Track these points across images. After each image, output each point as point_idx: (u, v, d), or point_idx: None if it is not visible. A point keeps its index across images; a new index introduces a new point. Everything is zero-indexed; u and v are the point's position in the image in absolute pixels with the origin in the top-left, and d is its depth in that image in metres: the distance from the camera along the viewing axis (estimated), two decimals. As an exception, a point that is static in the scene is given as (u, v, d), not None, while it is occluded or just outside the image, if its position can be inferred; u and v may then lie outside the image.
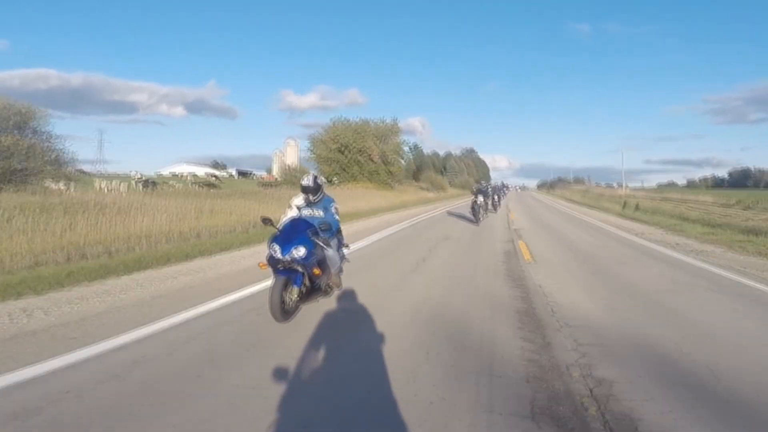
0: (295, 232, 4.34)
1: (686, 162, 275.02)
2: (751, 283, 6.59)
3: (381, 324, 4.28)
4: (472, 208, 15.55)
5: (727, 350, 3.82)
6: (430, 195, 43.48)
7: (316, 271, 4.31)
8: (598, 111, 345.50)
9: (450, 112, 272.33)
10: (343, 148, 34.87)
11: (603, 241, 11.76)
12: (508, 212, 21.92)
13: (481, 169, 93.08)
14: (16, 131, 17.61)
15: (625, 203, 31.35)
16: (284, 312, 4.07)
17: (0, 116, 16.94)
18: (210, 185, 30.81)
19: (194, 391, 2.86)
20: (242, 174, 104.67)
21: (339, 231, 5.09)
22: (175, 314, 4.33)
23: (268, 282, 4.39)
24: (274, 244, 4.26)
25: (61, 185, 19.97)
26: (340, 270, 4.97)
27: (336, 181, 34.20)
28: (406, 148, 43.27)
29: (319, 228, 4.50)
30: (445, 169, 74.27)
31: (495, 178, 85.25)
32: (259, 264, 4.48)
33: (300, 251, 4.17)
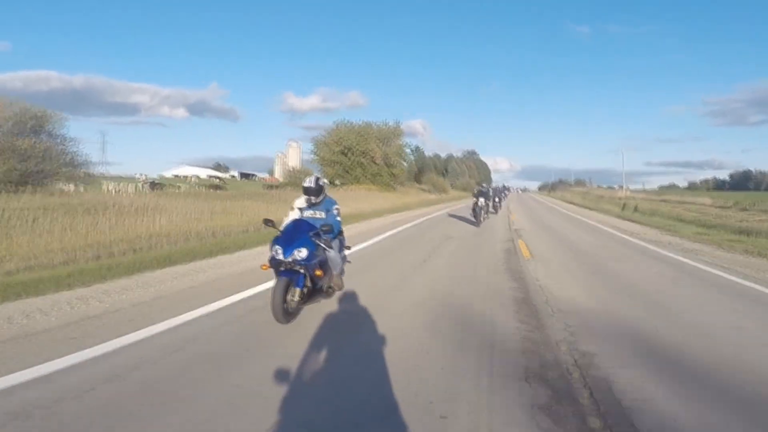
0: (297, 233, 4.38)
1: (687, 164, 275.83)
2: (730, 276, 7.21)
3: (397, 307, 4.84)
4: (473, 209, 15.91)
5: (696, 331, 4.38)
6: (432, 197, 44.02)
7: (318, 272, 4.36)
8: (598, 112, 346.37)
9: (451, 113, 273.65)
10: (346, 151, 35.37)
11: (598, 240, 12.33)
12: (508, 213, 22.47)
13: (482, 171, 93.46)
14: (32, 135, 18.24)
15: (624, 205, 31.90)
16: (286, 313, 4.10)
17: (18, 120, 17.61)
18: (216, 187, 31.41)
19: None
20: (244, 176, 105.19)
21: (340, 232, 5.10)
22: (213, 301, 4.89)
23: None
24: (276, 245, 4.30)
25: (71, 187, 20.61)
26: (342, 272, 4.98)
27: (338, 183, 34.69)
28: (407, 150, 43.81)
29: (321, 229, 4.51)
30: (446, 171, 74.74)
31: (496, 180, 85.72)
32: (261, 265, 4.55)
33: (302, 253, 4.21)
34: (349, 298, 5.33)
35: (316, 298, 4.62)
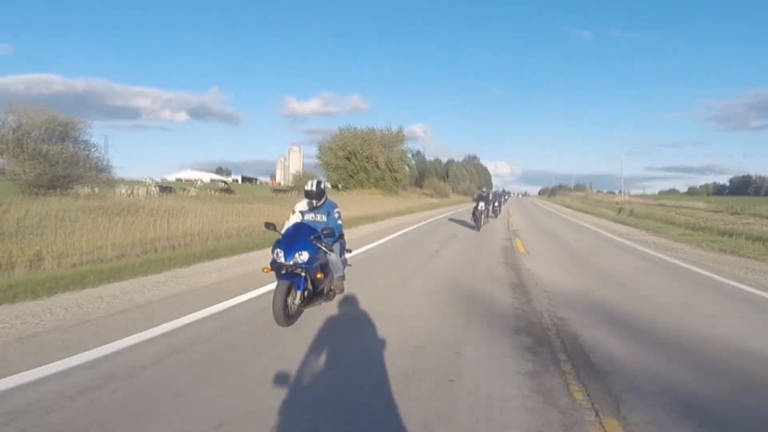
0: (298, 237, 4.42)
1: (689, 169, 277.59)
2: (694, 268, 8.44)
3: (420, 283, 5.99)
4: (474, 214, 16.06)
5: (656, 309, 5.51)
6: (435, 201, 45.17)
7: (319, 275, 4.44)
8: (600, 117, 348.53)
9: (452, 118, 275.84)
10: (350, 156, 36.45)
11: (588, 240, 13.52)
12: (508, 216, 23.63)
13: (483, 176, 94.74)
14: (59, 141, 19.46)
15: (620, 209, 33.07)
16: (287, 316, 4.16)
17: (47, 128, 18.83)
18: (226, 191, 32.55)
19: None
20: (247, 180, 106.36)
21: (341, 236, 5.17)
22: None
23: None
24: (277, 248, 4.35)
25: (86, 190, 21.79)
26: (343, 277, 5.00)
27: (340, 187, 35.70)
28: (409, 155, 44.96)
29: (322, 233, 4.55)
30: (447, 175, 75.93)
31: (497, 185, 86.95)
32: (262, 268, 4.64)
33: (303, 256, 4.26)
34: (371, 284, 6.48)
35: (317, 300, 4.67)
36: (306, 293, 4.39)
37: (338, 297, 5.18)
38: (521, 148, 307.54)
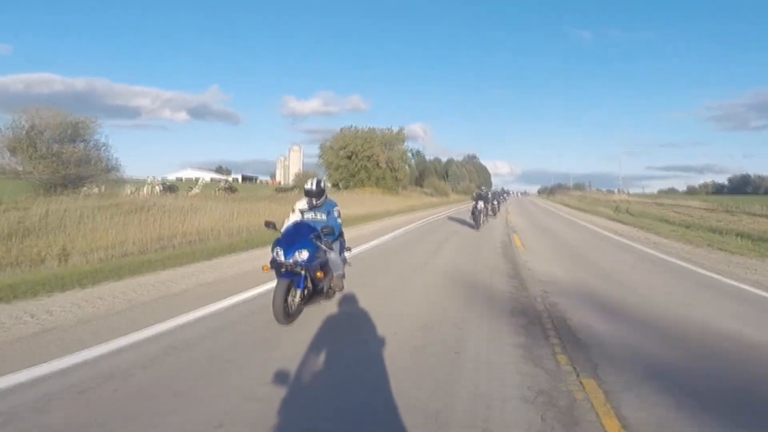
0: (298, 235, 4.45)
1: (688, 168, 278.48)
2: (676, 261, 9.12)
3: (429, 270, 6.57)
4: (473, 213, 16.05)
5: (639, 298, 6.10)
6: (435, 200, 45.80)
7: (319, 274, 4.44)
8: (600, 117, 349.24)
9: (452, 117, 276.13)
10: (351, 155, 36.96)
11: (582, 236, 14.19)
12: (507, 215, 24.23)
13: (482, 175, 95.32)
14: (71, 142, 20.03)
15: (617, 207, 33.73)
16: (287, 314, 4.18)
17: (60, 128, 19.39)
18: (231, 190, 33.11)
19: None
20: (247, 179, 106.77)
21: (341, 234, 5.19)
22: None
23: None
24: (277, 247, 4.38)
25: (95, 189, 22.38)
26: (342, 275, 5.02)
27: (341, 186, 36.20)
28: (409, 154, 45.46)
29: (322, 231, 4.57)
30: (447, 174, 76.49)
31: (496, 184, 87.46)
32: (262, 267, 4.65)
33: (303, 255, 4.29)
34: (378, 277, 7.06)
35: (317, 299, 4.71)
36: (306, 292, 4.42)
37: (339, 295, 5.23)
38: (521, 147, 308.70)
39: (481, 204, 16.08)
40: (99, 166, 20.37)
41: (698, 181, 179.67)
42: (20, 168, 18.30)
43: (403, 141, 40.66)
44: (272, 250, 4.45)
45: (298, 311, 4.50)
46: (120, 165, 22.55)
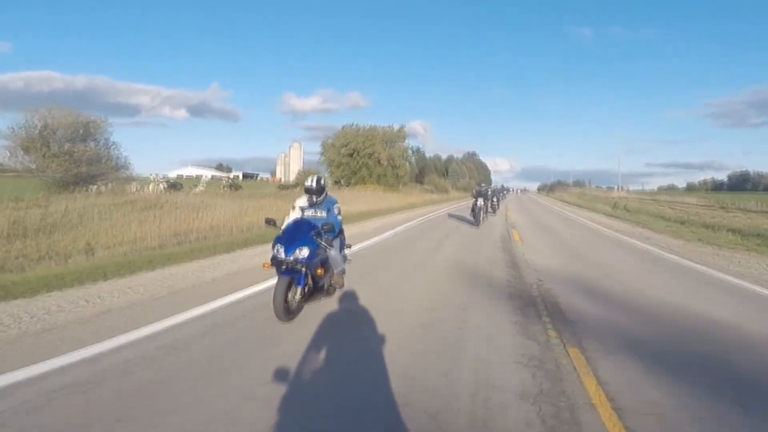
0: (298, 233, 4.46)
1: (688, 165, 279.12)
2: (666, 254, 9.71)
3: (434, 261, 7.15)
4: (473, 210, 16.16)
5: (626, 285, 6.69)
6: (435, 197, 46.34)
7: (319, 271, 4.45)
8: (600, 114, 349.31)
9: (452, 115, 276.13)
10: (352, 152, 37.42)
11: (578, 231, 14.83)
12: (506, 211, 24.82)
13: (482, 172, 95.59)
14: (82, 141, 20.61)
15: (615, 204, 34.31)
16: (288, 311, 4.22)
17: (72, 129, 19.95)
18: (235, 187, 33.68)
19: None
20: (247, 176, 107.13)
21: (341, 231, 5.19)
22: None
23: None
24: (278, 244, 4.40)
25: (103, 187, 22.98)
26: (343, 271, 5.05)
27: (342, 183, 36.67)
28: (409, 152, 45.88)
29: (322, 229, 4.59)
30: (446, 172, 76.92)
31: (496, 181, 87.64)
32: (263, 264, 4.68)
33: (303, 252, 4.30)
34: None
35: (317, 296, 4.73)
36: (306, 289, 4.42)
37: (339, 292, 5.28)
38: (521, 144, 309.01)
39: (480, 201, 16.19)
40: (109, 165, 21.02)
41: (698, 178, 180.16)
42: (33, 166, 18.94)
43: (404, 138, 41.08)
44: (273, 248, 4.47)
45: (299, 308, 4.52)
46: (129, 163, 23.17)
